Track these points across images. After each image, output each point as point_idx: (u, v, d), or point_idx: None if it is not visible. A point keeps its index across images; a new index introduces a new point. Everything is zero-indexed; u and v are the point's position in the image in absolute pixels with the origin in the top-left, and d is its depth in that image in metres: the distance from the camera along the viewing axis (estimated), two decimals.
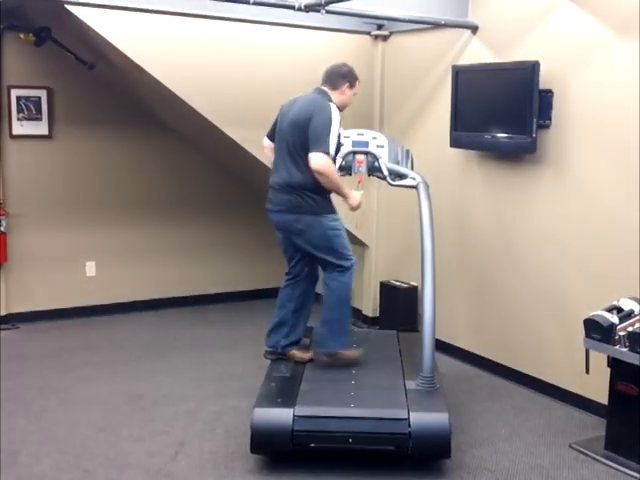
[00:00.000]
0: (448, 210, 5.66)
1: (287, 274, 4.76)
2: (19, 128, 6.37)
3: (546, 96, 4.78)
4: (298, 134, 4.36)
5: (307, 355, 4.68)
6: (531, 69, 4.72)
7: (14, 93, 6.31)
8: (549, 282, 4.97)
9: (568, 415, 4.72)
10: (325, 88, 4.54)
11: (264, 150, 4.81)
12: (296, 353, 4.67)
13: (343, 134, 4.76)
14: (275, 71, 5.86)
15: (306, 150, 4.31)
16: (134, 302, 6.98)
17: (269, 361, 4.72)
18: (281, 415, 3.87)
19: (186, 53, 5.50)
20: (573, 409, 4.79)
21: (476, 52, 5.38)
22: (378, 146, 4.76)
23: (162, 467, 3.95)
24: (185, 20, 5.39)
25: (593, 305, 4.28)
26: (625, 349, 3.96)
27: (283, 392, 4.12)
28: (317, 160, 4.25)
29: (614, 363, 4.11)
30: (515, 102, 4.87)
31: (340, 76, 4.55)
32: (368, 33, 6.20)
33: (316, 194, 4.38)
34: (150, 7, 5.15)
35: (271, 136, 4.67)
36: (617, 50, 4.44)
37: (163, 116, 6.77)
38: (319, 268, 4.72)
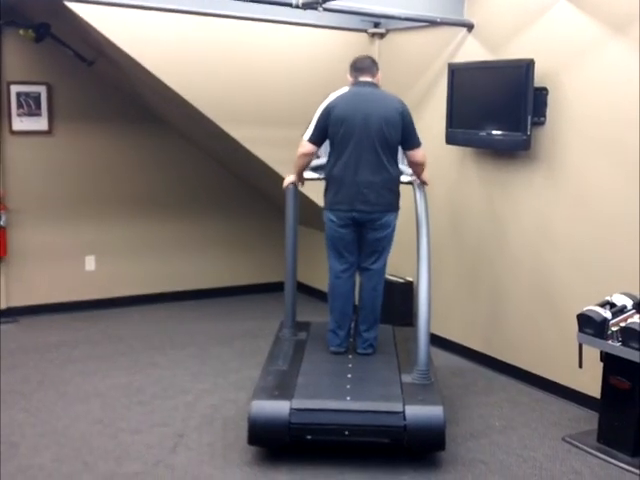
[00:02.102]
0: (444, 206, 5.72)
1: (343, 270, 4.67)
2: (19, 124, 6.41)
3: (541, 94, 4.82)
4: (394, 131, 4.47)
5: None
6: (526, 67, 4.76)
7: (14, 89, 6.35)
8: (543, 277, 5.02)
9: (561, 408, 4.77)
10: (370, 79, 4.58)
11: (303, 156, 4.60)
12: None
13: None
14: (272, 68, 5.90)
15: (397, 146, 4.54)
16: (133, 296, 7.03)
17: (265, 355, 4.77)
18: (278, 408, 3.91)
19: (184, 50, 5.53)
20: (566, 403, 4.83)
21: (472, 50, 5.42)
22: None
23: (161, 459, 3.99)
24: (182, 17, 5.41)
25: (587, 300, 4.33)
26: (618, 344, 4.01)
27: (280, 385, 4.16)
28: (422, 153, 4.61)
29: (607, 358, 4.16)
30: (510, 100, 4.91)
31: (374, 65, 4.65)
32: (365, 31, 6.23)
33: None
34: (148, 4, 5.17)
35: (317, 140, 4.53)
36: (611, 48, 4.48)
37: (162, 112, 6.81)
38: None
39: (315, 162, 4.93)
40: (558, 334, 4.88)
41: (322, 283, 7.28)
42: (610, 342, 4.05)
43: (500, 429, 4.46)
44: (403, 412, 3.87)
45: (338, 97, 4.55)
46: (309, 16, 5.21)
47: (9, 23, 6.09)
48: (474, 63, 5.30)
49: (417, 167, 4.65)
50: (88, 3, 5.03)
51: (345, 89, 4.59)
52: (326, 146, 4.97)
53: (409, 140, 4.54)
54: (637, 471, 3.92)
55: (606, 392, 4.21)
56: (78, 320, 6.57)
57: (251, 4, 4.81)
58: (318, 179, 4.83)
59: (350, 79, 4.65)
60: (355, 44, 6.15)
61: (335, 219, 4.55)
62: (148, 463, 3.95)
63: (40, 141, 6.53)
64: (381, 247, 4.64)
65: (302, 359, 4.61)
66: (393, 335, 5.13)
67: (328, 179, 4.61)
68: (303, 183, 4.93)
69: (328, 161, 4.61)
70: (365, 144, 4.43)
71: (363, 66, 4.61)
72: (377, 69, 4.67)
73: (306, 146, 4.54)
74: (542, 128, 4.88)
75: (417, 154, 4.58)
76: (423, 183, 4.72)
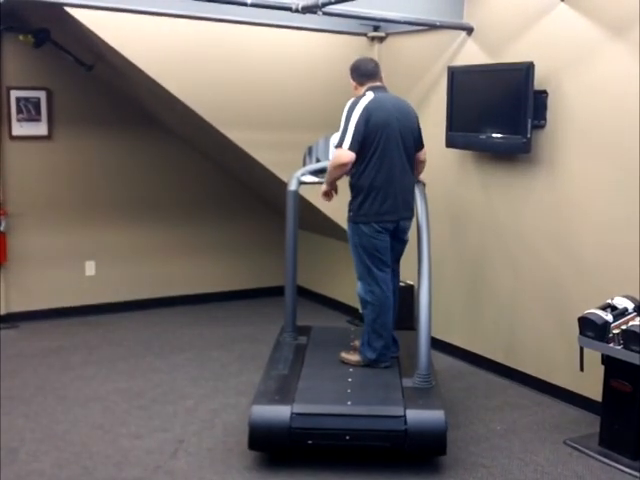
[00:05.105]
0: (444, 209, 5.71)
1: (389, 279, 4.55)
2: (19, 129, 6.41)
3: (541, 97, 4.82)
4: (416, 136, 4.56)
5: (355, 358, 4.63)
6: (526, 70, 4.76)
7: (13, 94, 6.35)
8: (544, 280, 5.01)
9: (563, 412, 4.76)
10: (380, 84, 4.52)
11: (343, 167, 4.34)
12: (345, 356, 4.67)
13: None
14: (272, 72, 5.89)
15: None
16: (133, 301, 7.02)
17: (266, 359, 4.76)
18: (279, 412, 3.90)
19: (184, 54, 5.52)
20: (568, 406, 4.82)
21: (471, 53, 5.42)
22: None
23: (161, 464, 3.98)
24: (183, 22, 5.40)
25: (588, 303, 4.33)
26: (619, 347, 4.01)
27: (281, 390, 4.16)
28: (425, 151, 4.69)
29: (608, 360, 4.15)
30: (510, 103, 4.91)
31: (379, 67, 4.59)
32: (364, 34, 6.23)
33: None
34: (148, 9, 5.17)
35: (358, 149, 4.28)
36: (611, 51, 4.47)
37: (161, 117, 6.81)
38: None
39: (315, 166, 4.91)
40: (559, 337, 4.87)
41: (322, 287, 7.31)
42: (611, 345, 4.05)
43: (501, 433, 4.45)
44: (404, 416, 3.86)
45: (370, 103, 4.34)
46: (308, 20, 5.20)
47: (9, 28, 6.09)
48: (474, 66, 5.29)
49: (422, 165, 4.69)
50: (88, 8, 5.03)
51: (370, 95, 4.38)
52: (325, 150, 4.96)
53: (419, 141, 4.60)
54: (639, 474, 3.91)
55: (607, 395, 4.20)
56: (78, 325, 6.57)
57: (251, 8, 4.80)
58: (319, 183, 4.81)
59: (355, 84, 4.52)
60: (355, 48, 6.14)
61: (381, 229, 4.41)
62: (148, 468, 3.94)
63: (40, 146, 6.53)
64: (404, 250, 4.69)
65: (303, 363, 4.60)
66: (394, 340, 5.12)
67: (367, 189, 4.36)
68: (337, 192, 4.70)
69: (363, 170, 4.35)
70: (401, 150, 4.41)
71: (372, 71, 4.51)
72: (381, 71, 4.62)
73: (348, 155, 4.26)
74: (542, 131, 4.88)
75: (423, 153, 4.65)
76: (420, 181, 4.74)
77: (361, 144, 4.29)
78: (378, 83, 4.51)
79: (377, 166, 4.34)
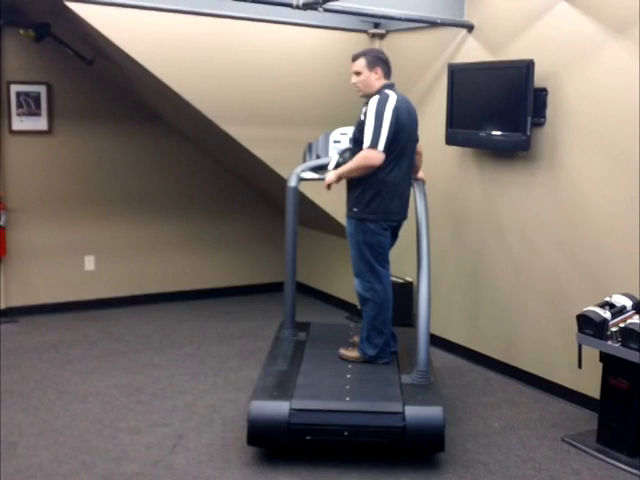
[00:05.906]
0: (443, 206, 5.72)
1: (388, 267, 4.57)
2: (19, 124, 6.41)
3: (541, 94, 4.82)
4: (416, 136, 4.56)
5: (354, 354, 4.64)
6: (526, 68, 4.76)
7: (14, 89, 6.35)
8: (543, 278, 5.02)
9: (561, 409, 4.77)
10: (392, 81, 4.48)
11: (371, 168, 4.25)
12: (344, 352, 4.67)
13: (340, 132, 4.81)
14: (272, 69, 5.89)
15: None
16: (132, 296, 7.04)
17: (265, 355, 4.77)
18: (277, 408, 3.91)
19: (184, 50, 5.52)
20: (566, 403, 4.84)
21: (472, 51, 5.42)
22: None
23: (160, 459, 3.99)
24: (183, 17, 5.40)
25: (586, 301, 4.34)
26: (617, 344, 4.02)
27: (280, 385, 4.16)
28: (421, 144, 4.68)
29: (606, 358, 4.16)
30: (510, 100, 4.91)
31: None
32: (365, 31, 6.23)
33: None
34: (148, 4, 5.17)
35: (388, 147, 4.26)
36: (611, 49, 4.47)
37: (162, 112, 6.81)
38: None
39: (315, 162, 4.91)
40: (557, 334, 4.88)
41: (321, 283, 7.32)
42: (609, 343, 4.06)
43: (499, 430, 4.46)
44: (402, 413, 3.87)
45: (397, 103, 4.27)
46: (309, 16, 5.20)
47: (9, 23, 6.09)
48: (474, 64, 5.30)
49: (420, 157, 4.69)
50: (88, 3, 5.03)
51: (393, 94, 4.31)
52: (325, 146, 4.95)
53: (417, 137, 4.60)
54: (636, 472, 3.92)
55: (605, 393, 4.22)
56: (77, 320, 6.57)
57: (251, 4, 4.80)
58: (319, 179, 4.82)
59: (379, 75, 4.38)
60: (355, 45, 6.13)
61: (387, 227, 4.42)
62: (147, 463, 3.95)
63: (40, 141, 6.53)
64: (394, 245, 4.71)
65: (302, 359, 4.60)
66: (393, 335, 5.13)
67: (378, 187, 4.31)
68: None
69: (377, 168, 4.27)
70: (411, 151, 4.44)
71: (391, 67, 4.49)
72: None
73: (381, 158, 4.21)
74: (542, 129, 4.88)
75: (419, 146, 4.64)
76: (420, 179, 4.73)
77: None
78: (391, 80, 4.48)
79: (392, 166, 4.31)
